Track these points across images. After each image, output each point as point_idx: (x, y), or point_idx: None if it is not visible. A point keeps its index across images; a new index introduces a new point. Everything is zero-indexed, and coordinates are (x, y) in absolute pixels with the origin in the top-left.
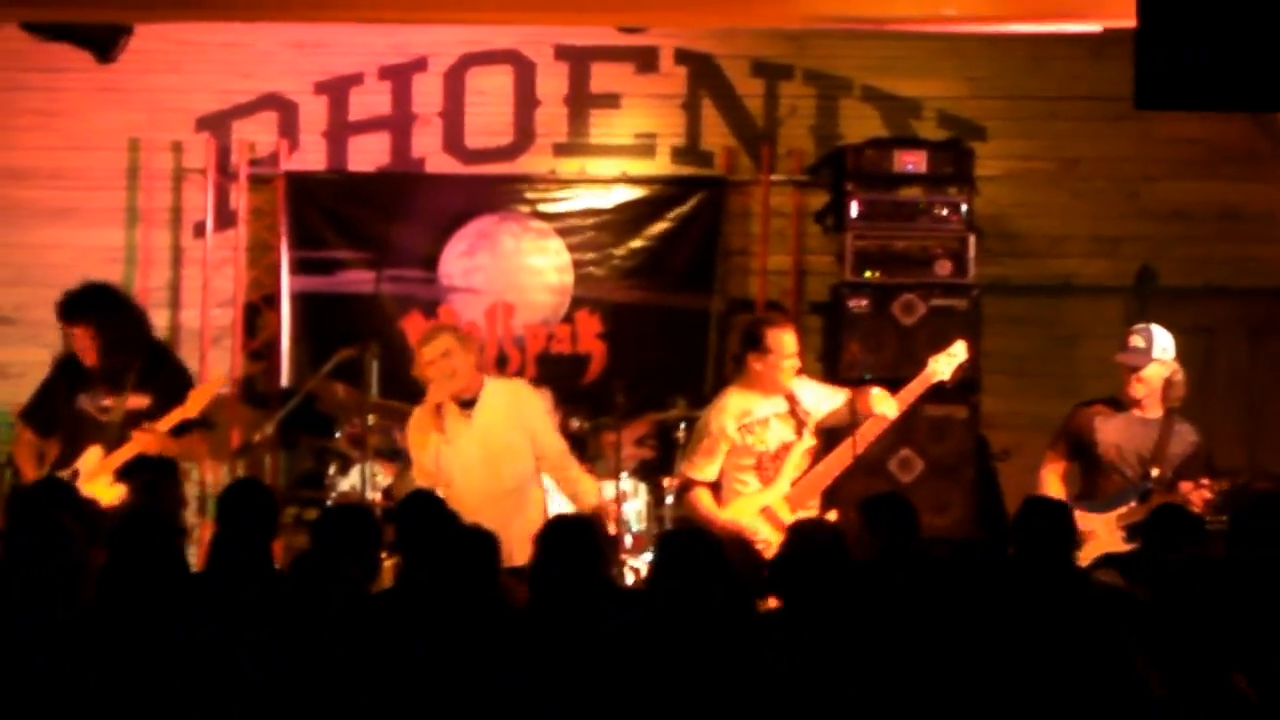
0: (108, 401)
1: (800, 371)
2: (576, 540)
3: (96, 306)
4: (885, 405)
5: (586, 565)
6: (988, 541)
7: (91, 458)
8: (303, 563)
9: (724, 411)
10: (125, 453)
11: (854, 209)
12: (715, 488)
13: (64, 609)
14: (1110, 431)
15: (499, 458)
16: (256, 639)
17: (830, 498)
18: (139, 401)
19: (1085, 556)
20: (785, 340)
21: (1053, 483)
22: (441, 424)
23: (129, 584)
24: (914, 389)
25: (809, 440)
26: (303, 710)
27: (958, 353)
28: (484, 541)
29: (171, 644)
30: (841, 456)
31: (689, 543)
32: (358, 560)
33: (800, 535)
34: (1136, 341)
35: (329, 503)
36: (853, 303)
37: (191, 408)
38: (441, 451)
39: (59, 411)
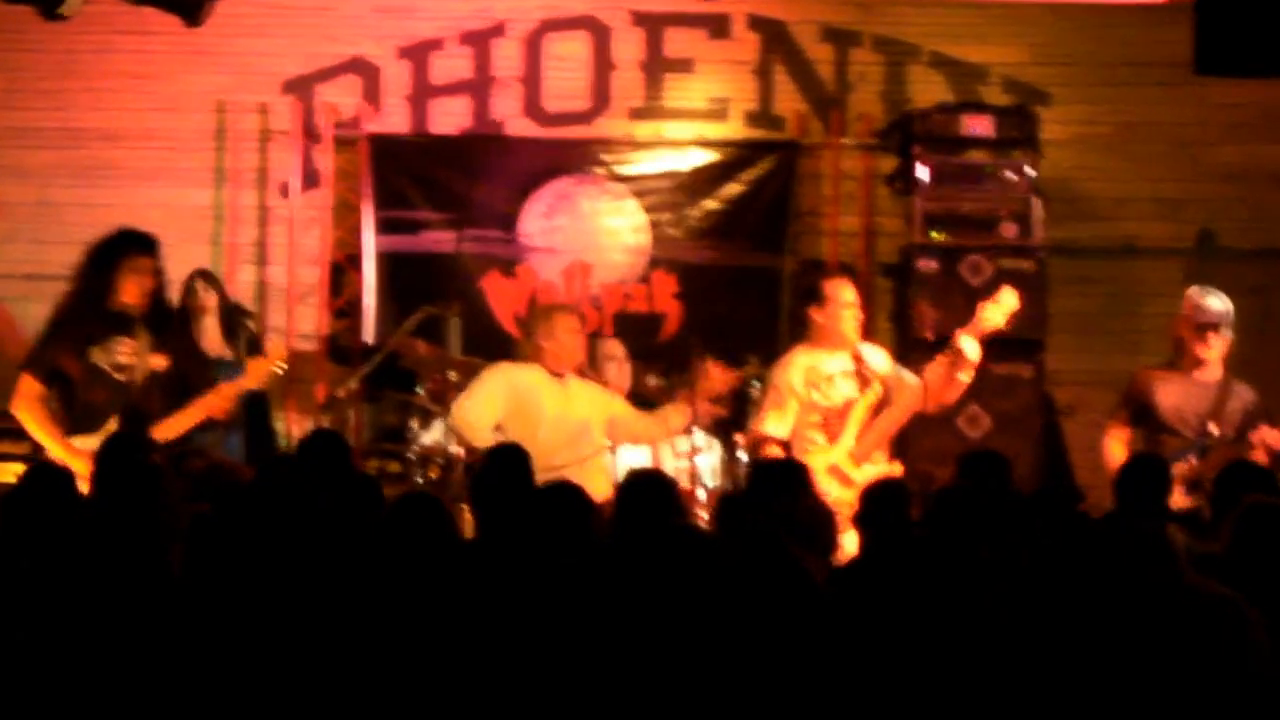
0: (122, 357)
1: (867, 336)
2: (655, 493)
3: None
4: (968, 348)
5: (666, 515)
6: (1058, 490)
7: None
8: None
9: (790, 367)
10: (193, 416)
11: (922, 172)
12: (787, 447)
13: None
14: (1170, 395)
15: (581, 430)
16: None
17: (897, 451)
18: (159, 361)
19: None
20: (842, 289)
21: (1116, 449)
22: (563, 384)
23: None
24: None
25: (873, 395)
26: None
27: (1006, 300)
28: (572, 496)
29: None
30: (903, 409)
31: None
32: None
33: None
34: (1214, 303)
35: (410, 456)
36: (922, 263)
37: (252, 379)
38: (554, 404)
39: (64, 363)
